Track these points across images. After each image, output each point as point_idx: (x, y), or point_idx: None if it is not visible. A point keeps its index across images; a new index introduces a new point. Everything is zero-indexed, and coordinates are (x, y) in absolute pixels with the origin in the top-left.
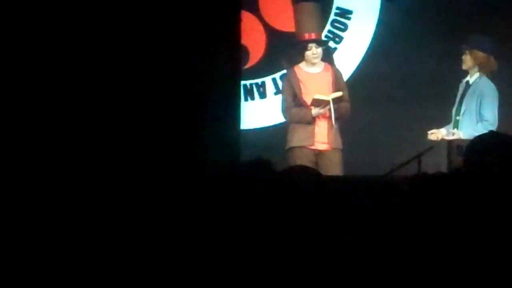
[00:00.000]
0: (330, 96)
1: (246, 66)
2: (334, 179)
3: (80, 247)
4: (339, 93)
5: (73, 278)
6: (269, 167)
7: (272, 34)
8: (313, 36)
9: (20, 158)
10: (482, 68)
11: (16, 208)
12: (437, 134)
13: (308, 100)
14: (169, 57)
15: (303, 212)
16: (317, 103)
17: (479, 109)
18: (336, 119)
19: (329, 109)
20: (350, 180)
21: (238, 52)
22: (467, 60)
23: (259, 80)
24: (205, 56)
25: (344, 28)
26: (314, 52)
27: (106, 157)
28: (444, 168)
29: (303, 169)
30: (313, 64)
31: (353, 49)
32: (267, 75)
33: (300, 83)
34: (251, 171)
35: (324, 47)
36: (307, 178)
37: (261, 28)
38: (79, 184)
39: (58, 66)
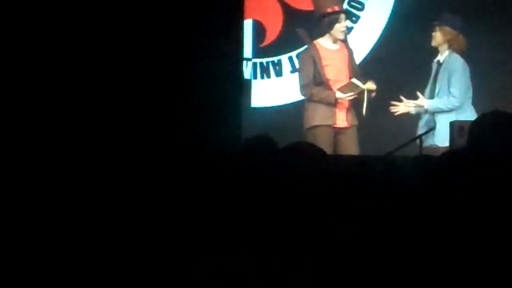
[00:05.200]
0: (365, 85)
1: (263, 44)
2: (336, 157)
3: (86, 231)
4: (373, 86)
5: (78, 271)
6: (271, 144)
7: (289, 12)
8: (337, 8)
9: (19, 158)
10: (451, 45)
11: (15, 208)
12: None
13: (328, 76)
14: (170, 36)
15: (304, 190)
16: (351, 87)
17: (448, 85)
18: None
19: (361, 98)
20: (352, 159)
21: (240, 30)
22: (437, 37)
23: (275, 58)
24: (207, 34)
25: (361, 7)
26: (343, 24)
27: (111, 138)
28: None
29: (305, 146)
30: (337, 39)
31: (369, 29)
32: (283, 53)
33: (322, 59)
34: (253, 148)
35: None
36: (309, 156)
37: (278, 6)
38: (84, 172)
39: (60, 63)
